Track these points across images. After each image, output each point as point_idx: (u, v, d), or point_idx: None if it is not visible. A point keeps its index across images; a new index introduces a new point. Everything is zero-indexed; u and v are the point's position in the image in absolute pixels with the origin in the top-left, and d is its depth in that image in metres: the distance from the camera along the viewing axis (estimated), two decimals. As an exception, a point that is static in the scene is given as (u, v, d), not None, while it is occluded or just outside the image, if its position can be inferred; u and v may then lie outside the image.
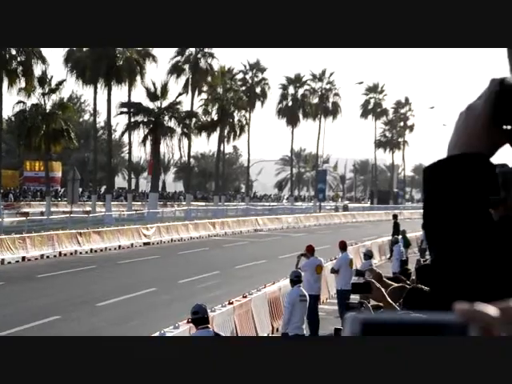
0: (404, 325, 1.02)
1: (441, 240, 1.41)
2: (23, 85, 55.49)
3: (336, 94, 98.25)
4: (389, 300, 6.50)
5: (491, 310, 1.00)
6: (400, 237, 30.52)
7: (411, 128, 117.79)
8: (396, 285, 7.91)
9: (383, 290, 6.89)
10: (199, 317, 10.58)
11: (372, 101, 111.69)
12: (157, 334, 12.40)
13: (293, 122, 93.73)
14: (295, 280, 15.06)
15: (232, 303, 16.20)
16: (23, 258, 31.60)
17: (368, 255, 22.41)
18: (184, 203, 75.97)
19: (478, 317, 0.99)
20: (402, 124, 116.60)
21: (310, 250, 18.37)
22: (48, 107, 56.76)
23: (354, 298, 11.68)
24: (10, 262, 30.53)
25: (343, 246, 20.40)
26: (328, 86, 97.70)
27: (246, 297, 17.23)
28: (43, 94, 56.42)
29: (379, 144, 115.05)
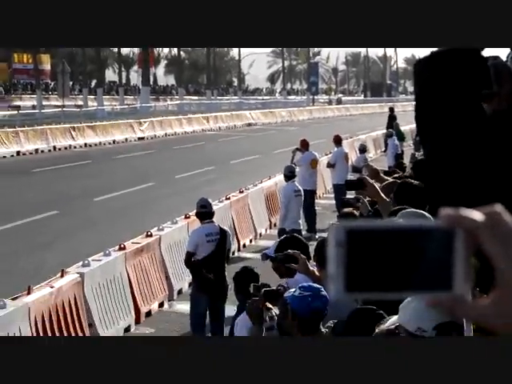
0: (389, 232, 1.01)
1: (433, 135, 1.38)
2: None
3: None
4: (382, 195, 6.54)
5: (476, 215, 0.99)
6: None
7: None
8: (389, 180, 7.94)
9: (377, 185, 6.91)
10: (207, 211, 10.42)
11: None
12: (155, 229, 12.53)
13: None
14: (289, 175, 14.96)
15: (229, 198, 16.24)
16: (18, 153, 31.58)
17: (362, 149, 22.46)
18: (176, 97, 75.41)
19: (463, 222, 0.99)
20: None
21: (304, 145, 18.29)
22: (34, -3, 55.53)
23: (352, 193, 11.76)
24: (4, 157, 30.53)
25: (338, 141, 20.38)
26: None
27: (242, 192, 17.26)
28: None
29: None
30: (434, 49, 1.43)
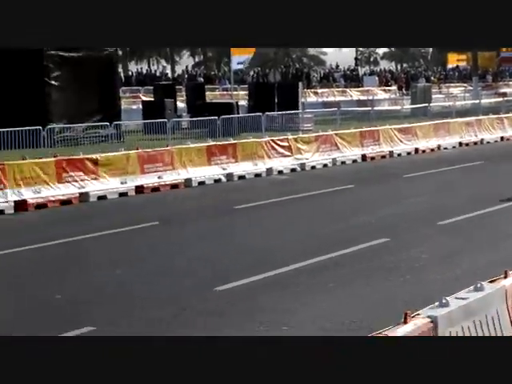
0: None
1: None
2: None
3: None
4: None
5: None
6: None
7: None
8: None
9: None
10: None
11: None
12: None
13: None
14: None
15: None
16: (501, 138, 31.46)
17: None
18: None
19: None
20: None
21: None
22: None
23: None
24: (488, 142, 30.59)
25: None
26: None
27: None
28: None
29: None
30: None
